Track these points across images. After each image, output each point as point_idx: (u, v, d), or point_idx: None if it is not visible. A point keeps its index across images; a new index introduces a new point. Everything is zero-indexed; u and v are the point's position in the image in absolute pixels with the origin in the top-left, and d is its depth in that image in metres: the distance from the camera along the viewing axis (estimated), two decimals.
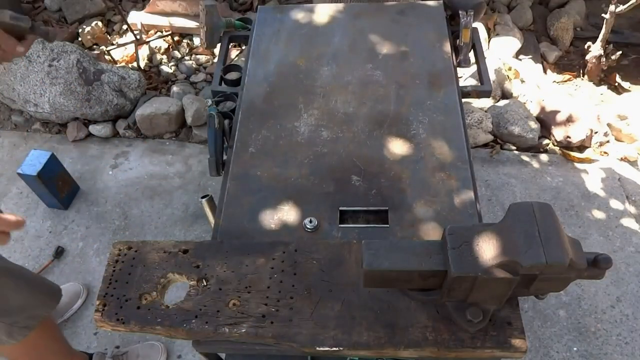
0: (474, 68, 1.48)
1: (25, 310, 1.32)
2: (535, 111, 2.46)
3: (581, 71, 2.76)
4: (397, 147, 1.14)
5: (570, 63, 2.86)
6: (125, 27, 2.91)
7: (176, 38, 2.88)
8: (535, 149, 2.38)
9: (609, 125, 2.40)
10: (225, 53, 1.44)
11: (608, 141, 2.38)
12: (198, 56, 2.81)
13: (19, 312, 1.31)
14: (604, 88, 2.67)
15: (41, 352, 1.47)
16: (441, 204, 1.04)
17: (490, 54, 2.70)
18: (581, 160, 2.30)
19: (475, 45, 1.43)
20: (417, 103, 1.22)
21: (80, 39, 2.90)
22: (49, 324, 1.48)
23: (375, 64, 1.32)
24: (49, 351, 1.51)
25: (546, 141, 2.40)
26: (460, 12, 1.36)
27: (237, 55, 2.67)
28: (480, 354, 0.81)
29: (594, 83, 2.70)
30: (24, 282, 1.34)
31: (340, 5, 1.49)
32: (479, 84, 1.40)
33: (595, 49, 2.62)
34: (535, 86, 2.57)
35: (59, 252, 2.05)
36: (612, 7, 2.45)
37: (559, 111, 2.38)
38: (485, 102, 2.50)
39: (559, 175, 2.25)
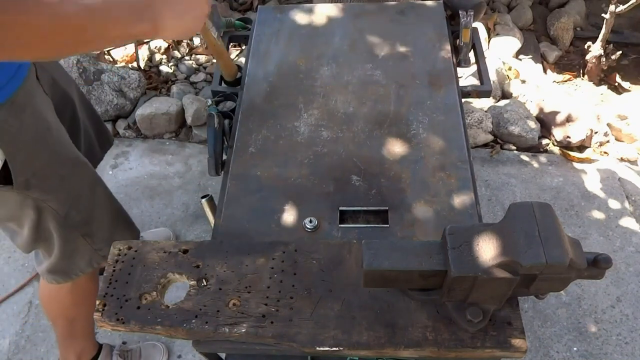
0: (474, 68, 1.48)
1: (111, 233, 1.32)
2: (535, 111, 2.46)
3: (581, 71, 2.76)
4: (397, 147, 1.14)
5: (570, 63, 2.86)
6: None
7: None
8: (535, 149, 2.38)
9: (609, 125, 2.40)
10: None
11: (608, 141, 2.38)
12: (198, 56, 2.81)
13: (106, 233, 1.31)
14: (604, 88, 2.67)
15: (84, 298, 1.47)
16: (441, 204, 1.04)
17: (490, 53, 2.70)
18: (581, 160, 2.30)
19: (475, 45, 1.43)
20: (417, 103, 1.22)
21: None
22: (96, 277, 1.49)
23: (375, 63, 1.32)
24: (89, 303, 1.51)
25: (546, 141, 2.40)
26: (460, 12, 1.36)
27: (237, 55, 2.67)
28: (480, 354, 0.81)
29: (594, 83, 2.70)
30: (115, 202, 1.36)
31: (340, 5, 1.49)
32: (479, 84, 1.40)
33: (595, 49, 2.62)
34: (535, 86, 2.57)
35: None
36: (612, 7, 2.45)
37: (558, 111, 2.38)
38: (485, 102, 2.50)
39: (559, 175, 2.25)
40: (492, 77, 2.50)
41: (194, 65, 2.76)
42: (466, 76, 2.48)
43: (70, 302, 1.45)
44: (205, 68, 2.77)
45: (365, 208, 1.04)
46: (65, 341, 1.59)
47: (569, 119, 2.34)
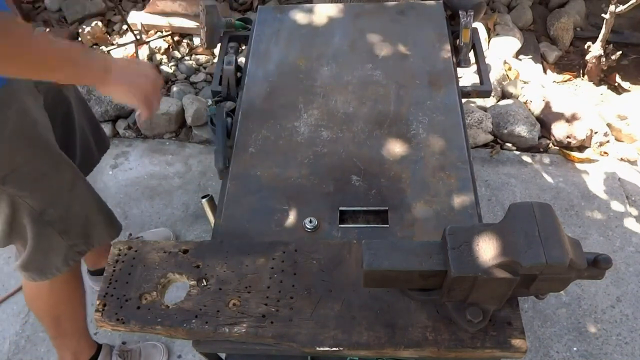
0: (474, 68, 1.48)
1: (88, 229, 1.32)
2: (535, 111, 2.46)
3: (581, 71, 2.76)
4: (397, 147, 1.14)
5: (570, 63, 2.86)
6: (125, 27, 2.91)
7: (176, 38, 2.88)
8: (535, 149, 2.38)
9: (609, 125, 2.40)
10: (225, 53, 1.43)
11: (608, 141, 2.38)
12: (198, 56, 2.81)
13: (82, 229, 1.31)
14: (603, 88, 2.67)
15: (67, 297, 1.47)
16: (441, 204, 1.04)
17: (490, 54, 2.70)
18: (581, 160, 2.30)
19: (475, 45, 1.43)
20: (417, 103, 1.22)
21: (80, 39, 2.90)
22: (78, 275, 1.48)
23: (375, 64, 1.32)
24: (73, 301, 1.51)
25: (546, 141, 2.40)
26: (460, 12, 1.36)
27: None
28: (480, 354, 0.81)
29: (593, 83, 2.70)
30: (95, 199, 1.35)
31: (340, 5, 1.49)
32: (479, 84, 1.40)
33: (595, 49, 2.62)
34: (535, 86, 2.57)
35: None
36: (612, 7, 2.45)
37: (559, 111, 2.38)
38: (485, 102, 2.50)
39: (559, 175, 2.25)
40: (492, 77, 2.50)
41: (194, 65, 2.76)
42: (466, 76, 2.48)
43: (53, 301, 1.45)
44: (205, 68, 2.77)
45: (365, 208, 1.04)
46: (56, 340, 1.58)
47: (568, 119, 2.34)
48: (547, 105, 2.42)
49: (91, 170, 1.62)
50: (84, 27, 2.90)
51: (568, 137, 2.32)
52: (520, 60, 2.75)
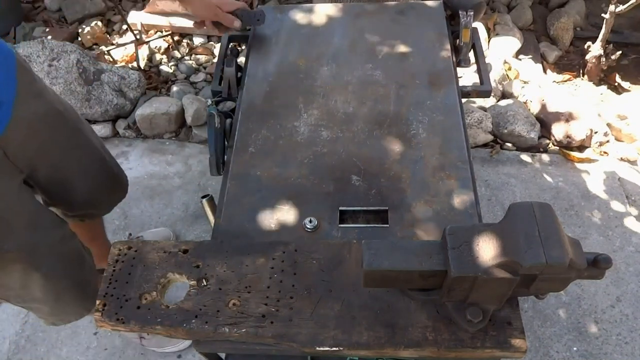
0: (474, 68, 1.48)
1: (55, 309, 1.28)
2: (535, 111, 2.46)
3: (581, 71, 2.76)
4: (397, 147, 1.14)
5: (570, 63, 2.86)
6: (125, 27, 2.91)
7: (176, 38, 2.88)
8: (535, 149, 2.38)
9: (609, 125, 2.40)
10: (225, 53, 1.43)
11: (608, 141, 2.38)
12: (198, 56, 2.81)
13: (50, 309, 1.27)
14: (603, 88, 2.67)
15: None
16: (441, 204, 1.04)
17: (490, 53, 2.70)
18: (581, 160, 2.30)
19: (475, 45, 1.43)
20: (417, 103, 1.22)
21: (80, 39, 2.90)
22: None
23: (375, 63, 1.32)
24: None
25: (546, 141, 2.40)
26: (460, 12, 1.36)
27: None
28: (480, 354, 0.81)
29: (593, 83, 2.70)
30: (62, 273, 1.23)
31: (340, 5, 1.49)
32: (479, 84, 1.40)
33: (595, 49, 2.62)
34: (535, 86, 2.57)
35: None
36: (612, 7, 2.45)
37: (559, 111, 2.38)
38: (485, 102, 2.50)
39: (559, 175, 2.25)
40: (492, 77, 2.50)
41: (194, 65, 2.76)
42: (466, 76, 2.48)
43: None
44: (205, 68, 2.77)
45: (365, 208, 1.04)
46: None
47: (569, 119, 2.34)
48: (547, 105, 2.42)
49: (99, 216, 1.56)
50: (84, 26, 2.90)
51: (568, 137, 2.32)
52: (520, 60, 2.75)
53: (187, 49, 2.85)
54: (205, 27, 1.37)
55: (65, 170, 1.28)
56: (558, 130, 2.35)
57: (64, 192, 1.32)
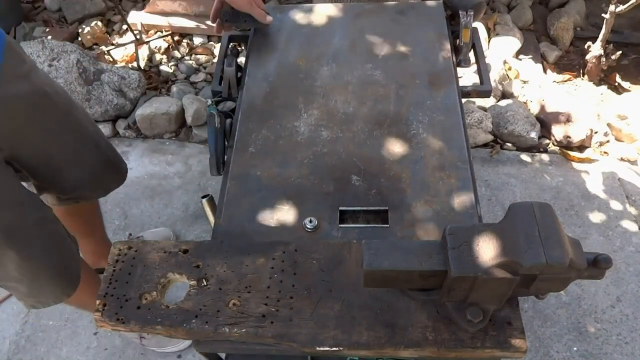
0: (474, 68, 1.48)
1: (32, 289, 1.27)
2: (535, 111, 2.46)
3: (581, 71, 2.76)
4: (397, 147, 1.14)
5: (570, 63, 2.86)
6: (125, 27, 2.91)
7: (176, 38, 2.88)
8: (535, 149, 2.38)
9: (609, 125, 2.40)
10: (225, 53, 1.44)
11: (608, 141, 2.38)
12: (198, 56, 2.81)
13: (27, 289, 1.26)
14: (604, 88, 2.67)
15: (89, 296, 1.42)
16: (441, 204, 1.04)
17: (490, 53, 2.70)
18: (581, 160, 2.30)
19: (475, 45, 1.43)
20: (417, 103, 1.22)
21: (80, 39, 2.90)
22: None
23: (375, 63, 1.32)
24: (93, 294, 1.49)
25: (546, 141, 2.40)
26: (460, 12, 1.36)
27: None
28: (480, 354, 0.81)
29: (594, 83, 2.70)
30: (38, 252, 1.22)
31: (340, 5, 1.49)
32: (479, 84, 1.40)
33: (595, 49, 2.62)
34: (535, 86, 2.57)
35: None
36: (612, 7, 2.45)
37: (559, 111, 2.38)
38: (486, 102, 2.50)
39: (559, 175, 2.25)
40: (492, 77, 2.50)
41: (194, 65, 2.76)
42: (466, 76, 2.48)
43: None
44: (205, 68, 2.77)
45: (365, 208, 1.04)
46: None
47: (569, 119, 2.34)
48: (547, 105, 2.42)
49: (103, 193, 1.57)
50: (84, 26, 2.90)
51: (568, 136, 2.32)
52: (520, 60, 2.75)
53: (187, 49, 2.85)
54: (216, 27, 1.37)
55: (52, 153, 1.27)
56: (558, 130, 2.35)
57: (53, 176, 1.31)
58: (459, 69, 1.37)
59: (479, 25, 2.65)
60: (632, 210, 2.12)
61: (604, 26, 2.54)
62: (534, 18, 3.02)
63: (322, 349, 0.82)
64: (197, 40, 2.89)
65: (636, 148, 2.33)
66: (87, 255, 1.82)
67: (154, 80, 2.70)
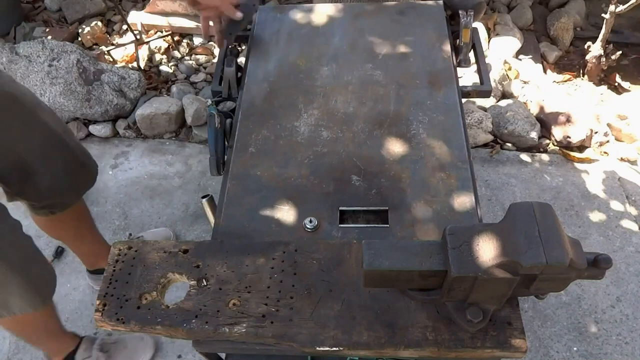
0: (474, 68, 1.48)
1: (3, 296, 1.25)
2: (535, 111, 2.46)
3: (581, 71, 2.76)
4: (397, 147, 1.14)
5: (570, 63, 2.86)
6: (125, 27, 2.91)
7: (176, 38, 2.88)
8: (535, 149, 2.38)
9: (609, 125, 2.40)
10: (225, 53, 1.44)
11: (608, 141, 2.38)
12: (198, 56, 2.81)
13: None
14: (604, 88, 2.67)
15: (34, 327, 1.43)
16: (441, 204, 1.04)
17: (490, 53, 2.70)
18: (581, 160, 2.30)
19: (475, 45, 1.43)
20: (417, 103, 1.22)
21: (80, 39, 2.90)
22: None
23: (375, 63, 1.32)
24: (42, 328, 1.48)
25: (546, 141, 2.40)
26: (460, 12, 1.36)
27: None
28: (480, 354, 0.81)
29: (594, 83, 2.70)
30: (9, 263, 1.21)
31: (340, 5, 1.49)
32: (479, 84, 1.40)
33: (595, 49, 2.62)
34: (536, 86, 2.57)
35: (59, 252, 2.05)
36: (612, 7, 2.45)
37: (559, 111, 2.38)
38: (486, 102, 2.50)
39: (559, 175, 2.25)
40: (492, 77, 2.50)
41: (194, 65, 2.76)
42: (466, 76, 2.48)
43: (23, 330, 1.44)
44: (205, 68, 2.77)
45: (365, 208, 1.04)
46: (30, 344, 1.56)
47: (569, 119, 2.34)
48: (547, 105, 2.42)
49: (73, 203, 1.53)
50: (84, 26, 2.90)
51: (568, 136, 2.32)
52: (520, 60, 2.75)
53: (187, 49, 2.85)
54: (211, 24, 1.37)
55: (21, 153, 1.27)
56: (558, 130, 2.35)
57: (24, 179, 1.31)
58: (459, 69, 1.37)
59: (479, 25, 2.65)
60: (632, 210, 2.12)
61: (604, 26, 2.54)
62: (534, 18, 3.02)
63: (322, 349, 0.82)
64: (197, 41, 2.89)
65: (636, 148, 2.33)
66: (83, 258, 1.82)
67: (154, 80, 2.70)
